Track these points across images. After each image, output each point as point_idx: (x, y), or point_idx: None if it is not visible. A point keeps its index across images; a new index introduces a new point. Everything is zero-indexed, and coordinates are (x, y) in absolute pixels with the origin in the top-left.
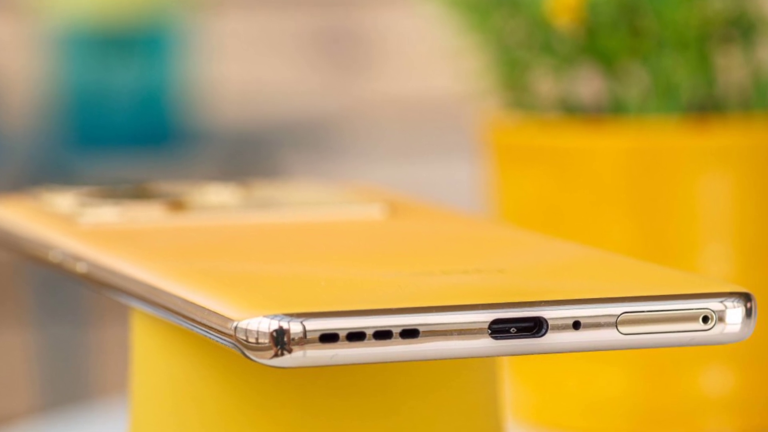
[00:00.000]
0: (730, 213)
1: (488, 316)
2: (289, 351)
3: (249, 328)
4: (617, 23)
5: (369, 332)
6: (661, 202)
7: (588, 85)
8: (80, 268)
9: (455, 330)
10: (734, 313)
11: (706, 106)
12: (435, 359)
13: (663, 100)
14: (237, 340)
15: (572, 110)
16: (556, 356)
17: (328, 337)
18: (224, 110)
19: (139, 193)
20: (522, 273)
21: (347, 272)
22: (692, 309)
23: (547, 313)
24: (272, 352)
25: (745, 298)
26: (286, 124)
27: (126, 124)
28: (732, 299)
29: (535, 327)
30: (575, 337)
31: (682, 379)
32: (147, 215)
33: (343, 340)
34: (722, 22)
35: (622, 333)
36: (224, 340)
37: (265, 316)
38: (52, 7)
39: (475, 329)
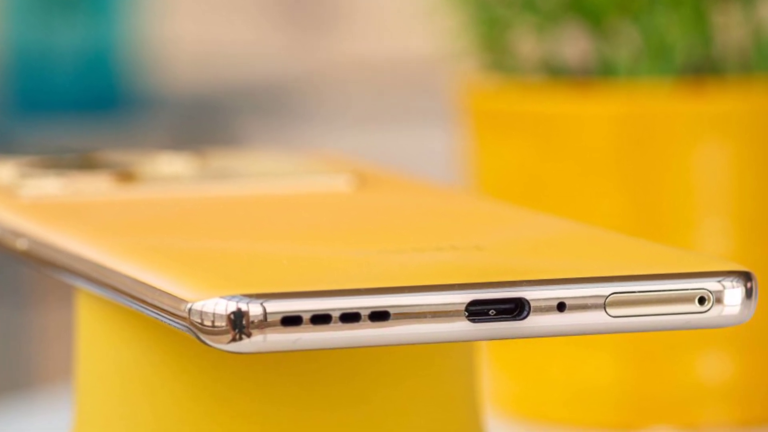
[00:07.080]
0: (728, 184)
1: (465, 297)
2: (248, 335)
3: (204, 310)
4: None
5: (335, 314)
6: (653, 172)
7: (574, 45)
8: (21, 244)
9: (429, 312)
10: (733, 293)
11: (703, 69)
12: (407, 344)
13: (656, 61)
14: (191, 323)
15: (557, 73)
16: (539, 341)
17: (291, 320)
18: (178, 73)
19: (84, 162)
20: (502, 250)
21: (311, 249)
22: (687, 289)
23: (529, 293)
24: (230, 336)
25: (745, 277)
26: (246, 88)
27: (71, 87)
28: (731, 279)
29: (516, 309)
30: (560, 320)
31: (676, 365)
32: (93, 187)
33: (307, 323)
34: None
35: (611, 315)
36: (177, 323)
37: (221, 297)
38: None
39: (450, 311)
